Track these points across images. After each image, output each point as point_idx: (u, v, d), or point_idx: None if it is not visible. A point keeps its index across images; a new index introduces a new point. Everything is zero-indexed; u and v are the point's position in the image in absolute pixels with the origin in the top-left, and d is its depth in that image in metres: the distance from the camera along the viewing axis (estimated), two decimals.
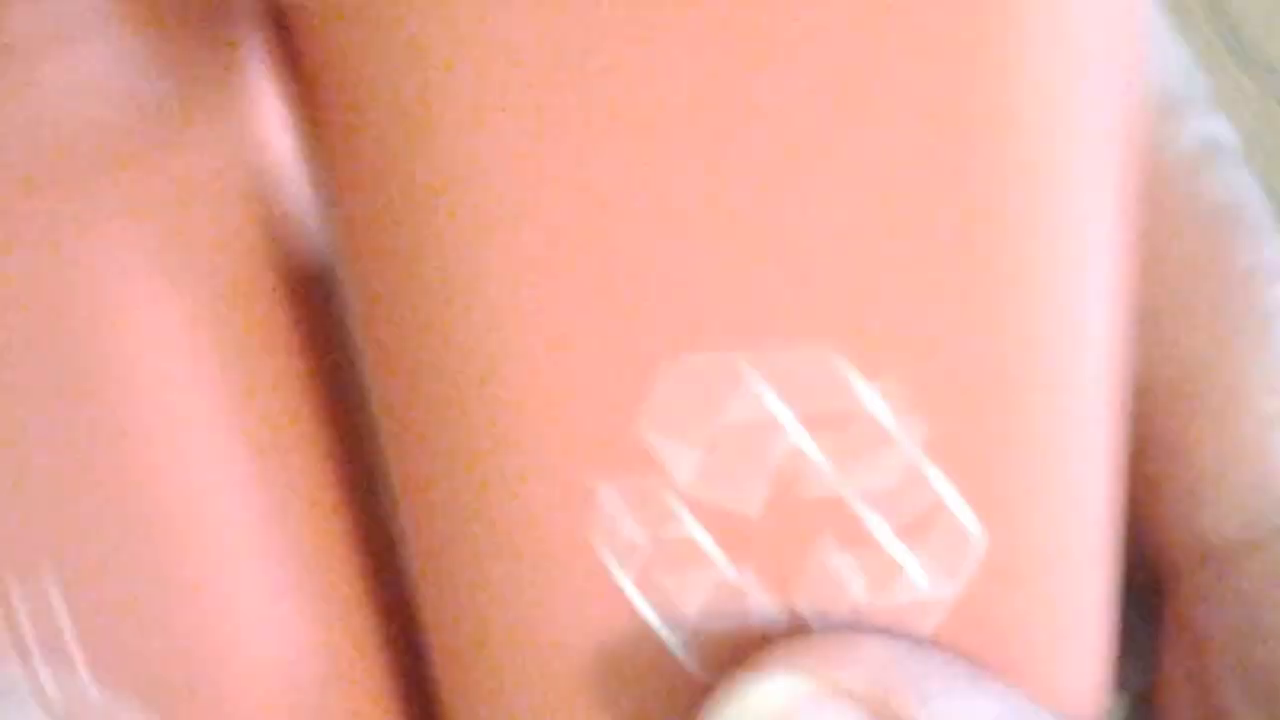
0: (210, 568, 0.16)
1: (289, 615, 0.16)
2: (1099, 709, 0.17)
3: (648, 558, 0.15)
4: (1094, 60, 0.14)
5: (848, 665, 0.15)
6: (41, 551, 0.15)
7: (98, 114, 0.14)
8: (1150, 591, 0.18)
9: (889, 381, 0.14)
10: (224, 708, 0.16)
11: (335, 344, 0.17)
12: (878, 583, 0.15)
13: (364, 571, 0.17)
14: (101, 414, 0.15)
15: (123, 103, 0.15)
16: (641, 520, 0.15)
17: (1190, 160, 0.17)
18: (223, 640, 0.16)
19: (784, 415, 0.14)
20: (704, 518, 0.15)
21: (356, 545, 0.17)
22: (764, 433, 0.14)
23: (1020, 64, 0.13)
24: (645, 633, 0.15)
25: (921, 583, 0.15)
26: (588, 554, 0.15)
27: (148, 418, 0.15)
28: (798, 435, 0.14)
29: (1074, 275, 0.14)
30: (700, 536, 0.15)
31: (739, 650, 0.15)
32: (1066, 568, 0.16)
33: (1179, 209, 0.17)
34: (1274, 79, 0.36)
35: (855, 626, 0.15)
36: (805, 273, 0.14)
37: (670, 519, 0.15)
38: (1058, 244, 0.14)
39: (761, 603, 0.15)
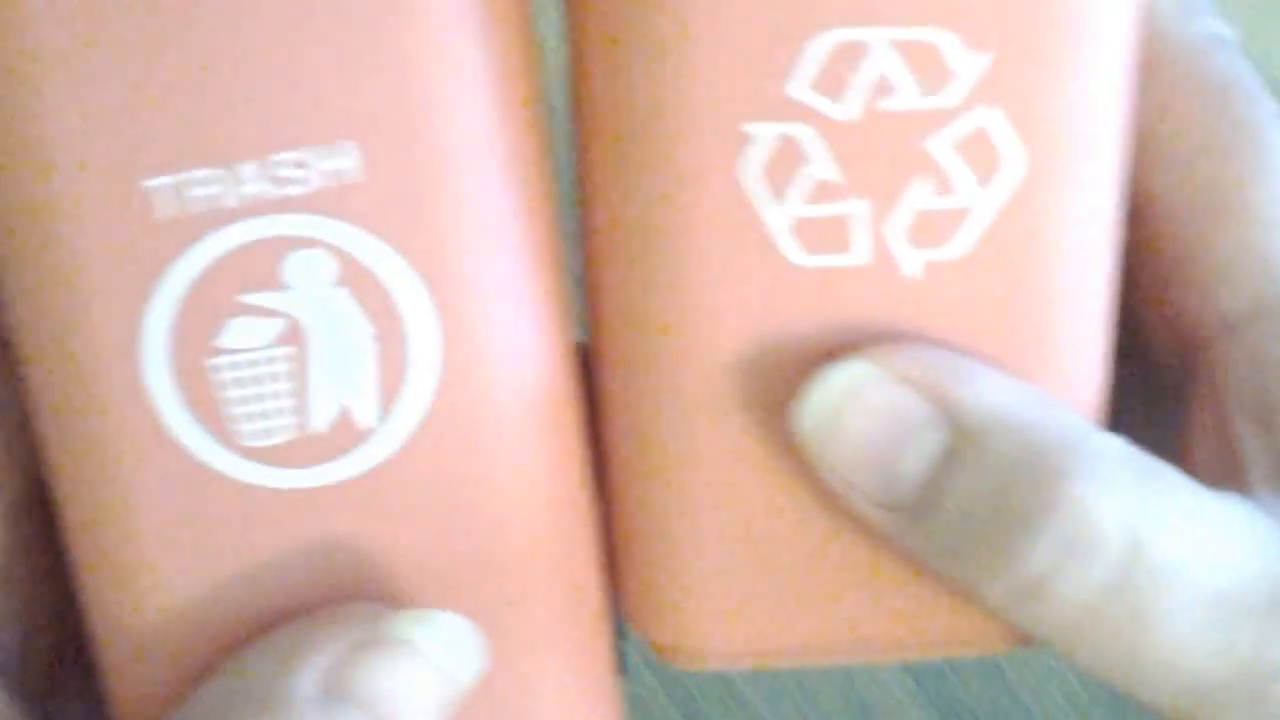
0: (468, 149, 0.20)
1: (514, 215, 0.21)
2: (1099, 403, 0.22)
3: (769, 165, 0.20)
4: None
5: (909, 359, 0.21)
6: (343, 125, 0.19)
7: None
8: (1181, 368, 0.24)
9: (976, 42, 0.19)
10: (467, 271, 0.20)
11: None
12: (936, 186, 0.20)
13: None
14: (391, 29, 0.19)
15: None
16: (772, 147, 0.20)
17: (1201, 47, 0.22)
18: (480, 208, 0.20)
19: (886, 56, 0.19)
20: (816, 124, 0.20)
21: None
22: (864, 57, 0.19)
23: None
24: (757, 226, 0.20)
25: (968, 191, 0.20)
26: (732, 184, 0.20)
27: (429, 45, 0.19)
28: (891, 64, 0.19)
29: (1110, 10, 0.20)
30: (808, 142, 0.20)
31: (825, 235, 0.20)
32: (1086, 218, 0.21)
33: (1192, 80, 0.22)
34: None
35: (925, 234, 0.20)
36: None
37: (791, 137, 0.20)
38: None
39: (846, 193, 0.20)
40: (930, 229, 0.21)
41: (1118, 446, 0.21)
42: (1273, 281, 0.23)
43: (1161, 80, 0.23)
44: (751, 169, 0.20)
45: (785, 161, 0.20)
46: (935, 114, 0.20)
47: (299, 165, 0.20)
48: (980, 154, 0.20)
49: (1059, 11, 0.20)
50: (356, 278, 0.20)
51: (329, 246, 0.20)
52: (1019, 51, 0.20)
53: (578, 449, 0.23)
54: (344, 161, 0.20)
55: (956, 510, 0.20)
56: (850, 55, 0.20)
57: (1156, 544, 0.20)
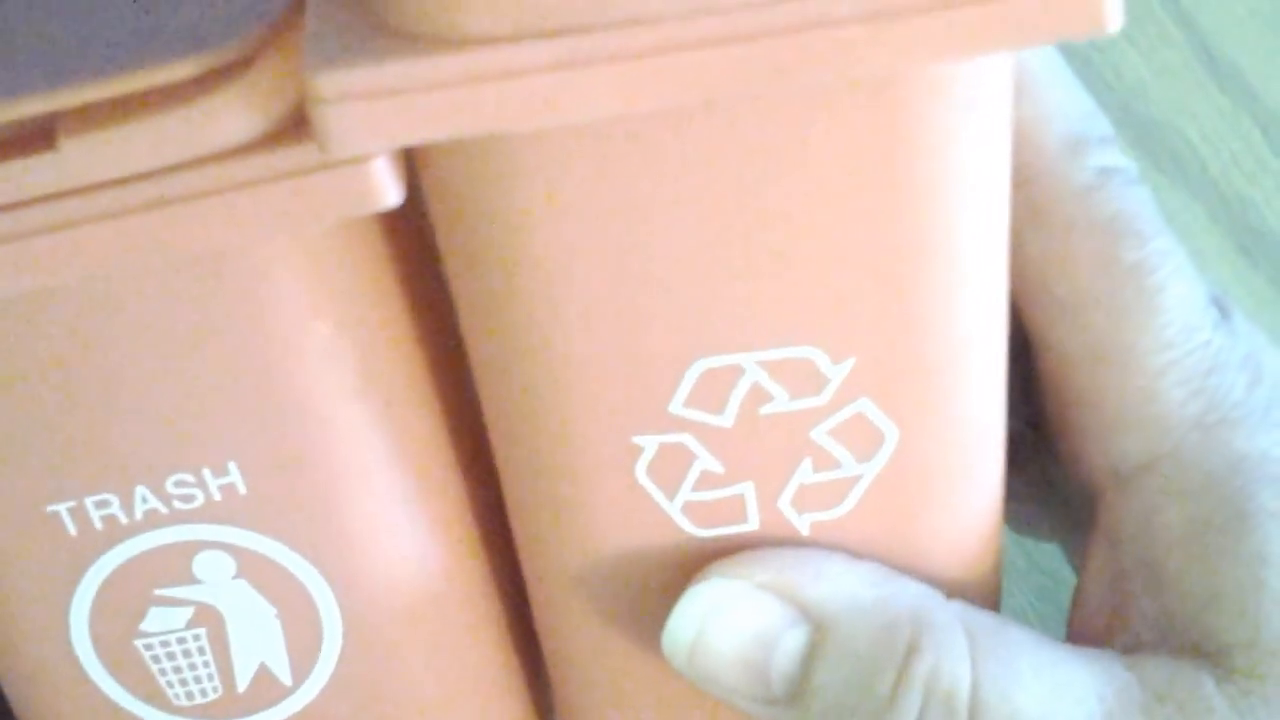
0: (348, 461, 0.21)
1: (410, 515, 0.22)
2: (992, 590, 0.23)
3: (660, 465, 0.21)
4: (971, 161, 0.19)
5: (763, 568, 0.22)
6: (228, 449, 0.20)
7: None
8: (1085, 518, 0.24)
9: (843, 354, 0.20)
10: (354, 551, 0.21)
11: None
12: (817, 465, 0.20)
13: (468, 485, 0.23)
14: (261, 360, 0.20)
15: None
16: (661, 452, 0.21)
17: (1089, 185, 0.22)
18: (362, 508, 0.21)
19: (758, 374, 0.20)
20: (700, 433, 0.20)
21: (461, 466, 0.23)
22: (739, 377, 0.20)
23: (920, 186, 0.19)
24: (656, 511, 0.21)
25: (849, 466, 0.21)
26: (627, 479, 0.21)
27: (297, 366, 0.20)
28: (764, 379, 0.20)
29: (959, 285, 0.20)
30: (695, 446, 0.21)
31: (718, 512, 0.21)
32: (960, 464, 0.21)
33: (1080, 223, 0.22)
34: (1249, 96, 0.38)
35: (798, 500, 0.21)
36: (791, 299, 0.19)
37: (679, 443, 0.21)
38: (949, 265, 0.19)
39: (735, 480, 0.21)
40: (817, 498, 0.21)
41: (959, 613, 0.21)
42: (1156, 435, 0.22)
43: (1049, 225, 0.22)
44: (643, 470, 0.21)
45: (675, 462, 0.21)
46: (809, 411, 0.20)
47: (186, 485, 0.20)
48: (856, 436, 0.20)
49: (910, 313, 0.20)
50: (254, 570, 0.21)
51: (224, 547, 0.21)
52: (877, 351, 0.20)
53: (503, 652, 0.24)
54: (227, 478, 0.20)
55: (827, 697, 0.21)
56: (726, 376, 0.20)
57: (1001, 700, 0.21)
